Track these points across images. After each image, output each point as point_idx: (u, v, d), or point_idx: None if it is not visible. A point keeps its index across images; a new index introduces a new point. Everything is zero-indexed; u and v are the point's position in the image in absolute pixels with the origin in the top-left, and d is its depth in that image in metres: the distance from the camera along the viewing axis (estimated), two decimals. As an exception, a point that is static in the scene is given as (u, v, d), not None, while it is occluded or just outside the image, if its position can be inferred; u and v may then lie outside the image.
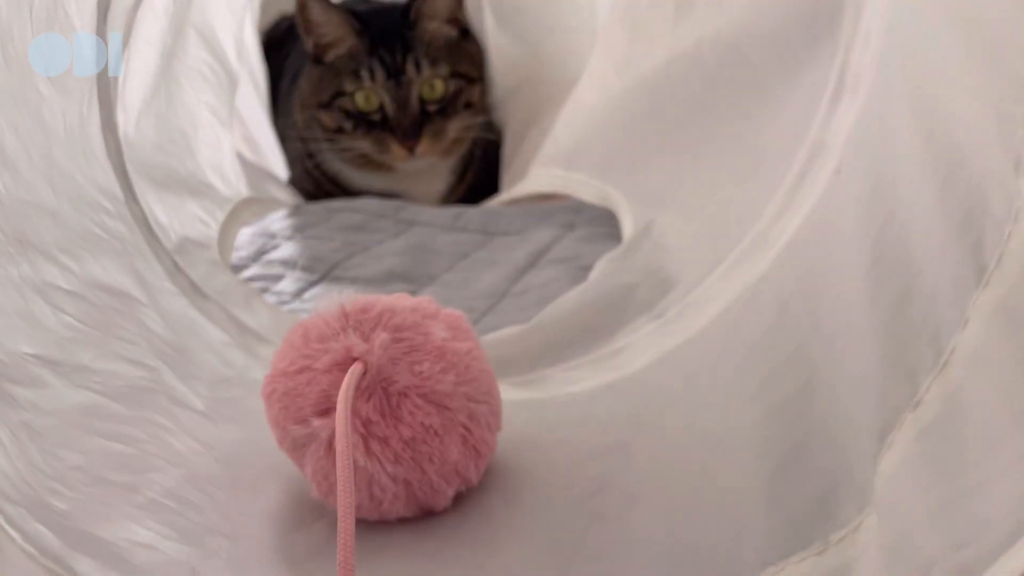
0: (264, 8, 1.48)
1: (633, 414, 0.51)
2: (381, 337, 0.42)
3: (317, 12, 1.06)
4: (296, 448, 0.43)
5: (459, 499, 0.45)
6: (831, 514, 0.35)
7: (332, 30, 1.07)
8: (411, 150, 1.04)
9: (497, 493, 0.46)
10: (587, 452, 0.49)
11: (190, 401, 0.51)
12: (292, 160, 1.29)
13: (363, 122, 1.06)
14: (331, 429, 0.40)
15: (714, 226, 0.62)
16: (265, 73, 1.37)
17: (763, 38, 0.54)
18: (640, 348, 0.58)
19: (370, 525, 0.44)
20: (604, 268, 0.68)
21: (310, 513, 0.45)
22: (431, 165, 1.12)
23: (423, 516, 0.44)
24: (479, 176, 1.23)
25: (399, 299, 0.45)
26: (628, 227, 0.76)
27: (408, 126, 1.03)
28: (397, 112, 1.04)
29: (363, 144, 1.06)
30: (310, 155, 1.20)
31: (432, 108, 1.06)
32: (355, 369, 0.40)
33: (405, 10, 1.11)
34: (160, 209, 0.73)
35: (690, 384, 0.50)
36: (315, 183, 1.20)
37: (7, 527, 0.33)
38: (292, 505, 0.46)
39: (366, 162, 1.10)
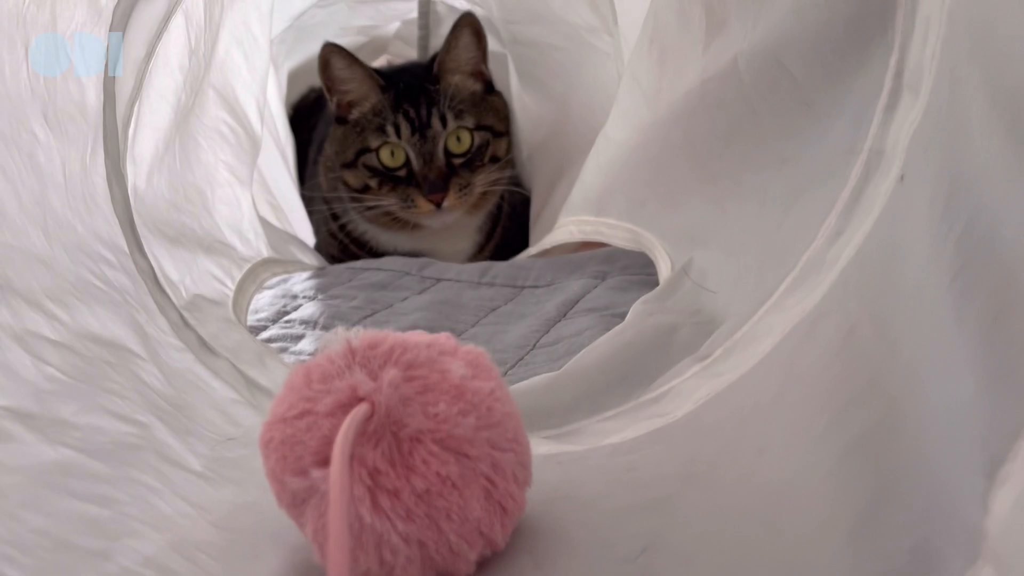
0: (292, 81, 1.49)
1: (681, 465, 0.45)
2: (391, 374, 0.36)
3: (340, 68, 1.04)
4: (295, 504, 0.37)
5: (483, 565, 0.39)
6: (933, 568, 0.28)
7: (356, 86, 1.05)
8: (438, 204, 1.01)
9: (527, 556, 0.40)
10: (629, 508, 0.43)
11: (185, 460, 0.46)
12: (317, 225, 1.26)
13: (389, 178, 1.03)
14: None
15: (760, 257, 0.56)
16: (293, 143, 1.36)
17: (805, 47, 0.50)
18: (685, 393, 0.52)
19: (380, 596, 0.38)
20: (640, 310, 0.63)
21: (313, 584, 0.39)
22: (457, 222, 1.08)
23: (443, 585, 0.38)
24: (507, 235, 1.19)
25: (413, 335, 0.40)
26: (664, 269, 0.71)
27: (434, 179, 1.00)
28: (423, 166, 1.01)
29: (389, 200, 1.03)
30: (335, 217, 1.18)
31: (458, 161, 1.03)
32: (359, 410, 0.35)
33: (428, 66, 1.09)
34: (171, 265, 0.69)
35: (745, 428, 0.44)
36: (340, 246, 1.17)
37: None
38: (294, 575, 0.40)
39: (392, 221, 1.07)
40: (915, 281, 0.37)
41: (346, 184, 1.09)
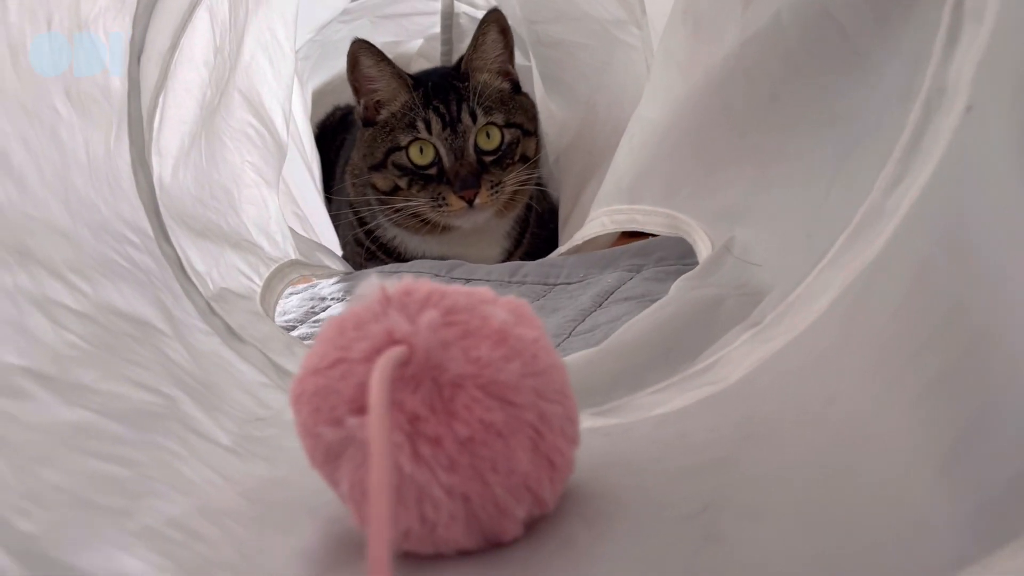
0: (316, 100, 1.49)
1: (737, 426, 0.42)
2: (429, 316, 0.34)
3: (369, 66, 1.03)
4: (329, 459, 0.35)
5: (531, 528, 0.36)
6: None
7: (384, 85, 1.04)
8: (470, 202, 0.99)
9: (578, 518, 0.37)
10: (685, 470, 0.40)
11: (212, 434, 0.44)
12: (344, 234, 1.25)
13: (419, 177, 1.02)
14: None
15: (810, 222, 0.53)
16: (319, 160, 1.36)
17: (856, -9, 0.47)
18: (737, 359, 0.49)
19: (422, 561, 0.35)
20: (682, 286, 0.60)
21: (350, 553, 0.36)
22: (486, 225, 1.06)
23: (488, 548, 0.35)
24: (535, 241, 1.17)
25: (451, 286, 0.38)
26: (704, 251, 0.68)
27: (466, 175, 0.98)
28: (454, 163, 0.99)
29: (420, 200, 1.01)
30: (362, 222, 1.16)
31: (489, 159, 1.01)
32: (395, 351, 0.33)
33: (455, 66, 1.08)
34: (197, 256, 0.68)
35: (807, 382, 0.41)
36: (368, 254, 1.15)
37: (-55, 538, 0.26)
38: (328, 545, 0.38)
39: (421, 224, 1.05)
40: (994, 207, 0.34)
41: (374, 187, 1.07)
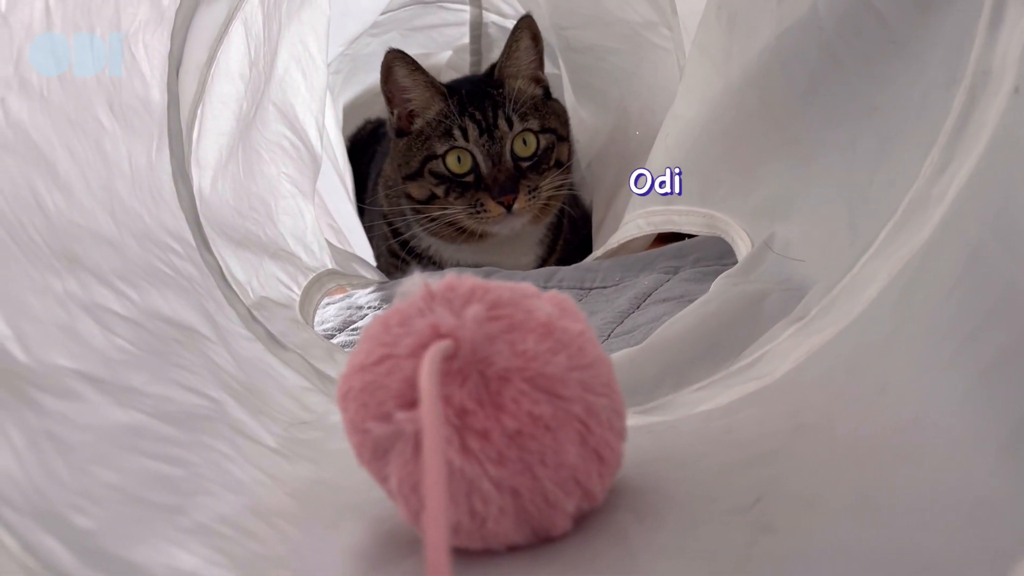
0: (348, 114, 1.51)
1: (786, 419, 0.41)
2: (474, 309, 0.34)
3: (403, 75, 1.03)
4: (377, 456, 0.35)
5: (581, 521, 0.36)
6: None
7: (418, 94, 1.04)
8: (508, 207, 0.99)
9: (628, 512, 0.36)
10: (734, 464, 0.39)
11: (259, 436, 0.44)
12: (378, 246, 1.25)
13: (456, 185, 1.02)
14: (419, 422, 0.32)
15: (852, 214, 0.53)
16: (351, 173, 1.37)
17: (894, -23, 0.47)
18: (782, 353, 0.48)
19: (472, 557, 0.35)
20: (723, 283, 0.59)
21: (399, 550, 0.36)
22: (521, 232, 1.06)
23: (538, 542, 0.35)
24: (568, 248, 1.17)
25: (494, 281, 0.38)
26: (743, 249, 0.68)
27: (504, 181, 0.98)
28: (492, 169, 0.99)
29: (457, 207, 1.01)
30: (396, 233, 1.16)
31: (525, 164, 1.01)
32: (441, 345, 0.33)
33: (488, 73, 1.08)
34: (237, 266, 0.68)
35: (858, 373, 0.40)
36: (402, 264, 1.15)
37: (2, 532, 0.26)
38: (377, 542, 0.38)
39: (457, 232, 1.05)
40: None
41: (409, 196, 1.07)
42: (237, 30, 0.76)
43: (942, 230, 0.42)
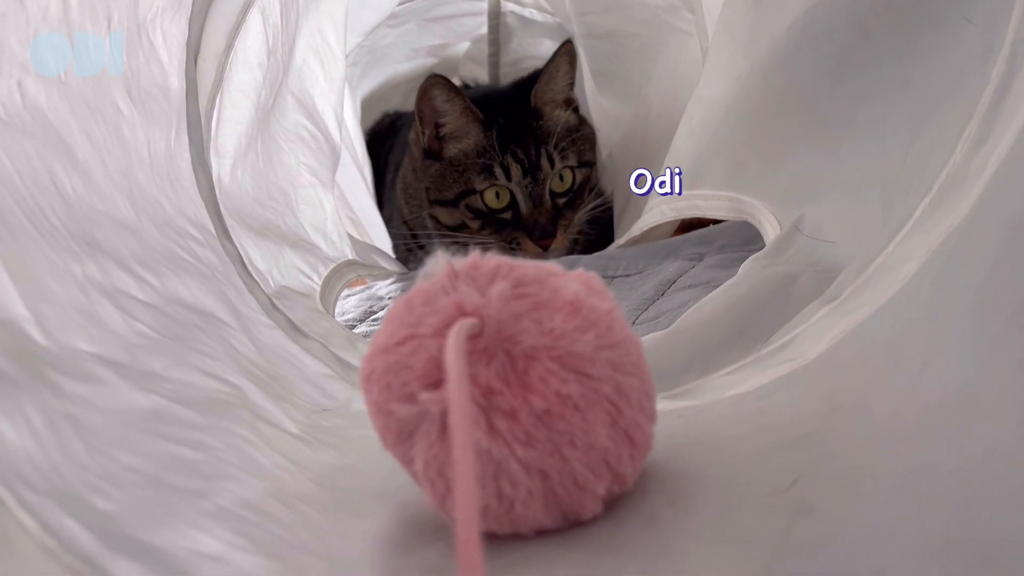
0: (366, 107, 1.50)
1: (822, 401, 0.40)
2: (499, 287, 0.33)
3: (442, 100, 1.00)
4: (402, 438, 0.34)
5: (611, 506, 0.35)
6: None
7: (454, 119, 1.02)
8: (546, 248, 0.99)
9: (659, 496, 0.35)
10: (769, 447, 0.38)
11: (281, 422, 0.43)
12: (397, 246, 1.25)
13: (492, 220, 1.00)
14: (445, 402, 0.31)
15: (885, 193, 0.51)
16: (370, 166, 1.37)
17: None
18: (815, 335, 0.47)
19: (500, 541, 0.34)
20: (752, 266, 0.58)
21: (424, 535, 0.36)
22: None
23: (568, 527, 0.34)
24: (588, 242, 1.16)
25: (518, 260, 0.37)
26: (771, 232, 0.66)
27: (545, 224, 0.97)
28: (532, 210, 0.97)
29: (490, 241, 1.00)
30: (417, 241, 1.16)
31: (561, 201, 1.00)
32: (466, 323, 0.32)
33: (522, 96, 1.04)
34: (257, 255, 0.68)
35: (897, 352, 0.39)
36: (421, 263, 1.15)
37: (21, 513, 0.26)
38: (402, 528, 0.37)
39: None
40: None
41: (437, 220, 1.06)
42: (255, 18, 0.75)
43: (982, 204, 0.40)
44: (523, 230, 0.98)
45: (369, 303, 0.89)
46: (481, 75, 1.50)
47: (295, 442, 0.42)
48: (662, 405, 0.48)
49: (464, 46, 1.55)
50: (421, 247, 1.15)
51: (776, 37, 0.58)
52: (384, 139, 1.45)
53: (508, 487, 0.32)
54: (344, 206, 1.22)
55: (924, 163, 0.48)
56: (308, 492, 0.37)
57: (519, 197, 0.98)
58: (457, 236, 1.02)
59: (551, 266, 0.37)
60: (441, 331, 0.33)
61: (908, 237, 0.45)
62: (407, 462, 0.35)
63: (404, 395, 0.33)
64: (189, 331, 0.45)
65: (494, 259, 0.35)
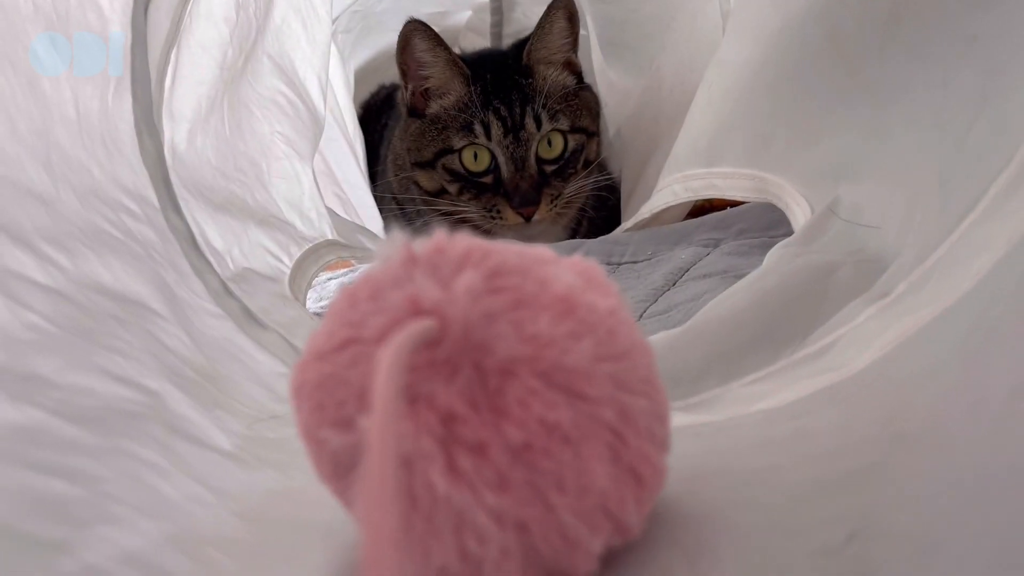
0: (360, 79, 1.42)
1: (878, 425, 0.32)
2: (467, 279, 0.25)
3: (423, 50, 0.93)
4: (338, 473, 0.26)
5: (611, 561, 0.27)
6: None
7: (437, 72, 0.94)
8: (527, 217, 0.91)
9: (674, 549, 0.27)
10: (814, 483, 0.30)
11: (208, 437, 0.35)
12: (387, 224, 1.17)
13: (471, 184, 0.93)
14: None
15: (945, 171, 0.43)
16: (362, 140, 1.28)
17: None
18: (863, 339, 0.39)
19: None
20: (781, 255, 0.50)
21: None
22: (542, 230, 0.97)
23: (553, 592, 0.26)
24: (593, 226, 1.08)
25: (499, 244, 0.29)
26: (800, 217, 0.58)
27: (526, 190, 0.89)
28: (514, 174, 0.89)
29: (469, 208, 0.93)
30: (406, 218, 1.08)
31: (550, 169, 0.92)
32: (419, 326, 0.24)
33: (515, 55, 0.98)
34: (215, 232, 0.60)
35: (976, 368, 0.31)
36: None
37: None
38: (344, 580, 0.29)
39: (470, 229, 0.96)
40: None
41: (418, 185, 0.98)
42: (220, -34, 0.67)
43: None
44: (504, 196, 0.90)
45: (350, 288, 0.81)
46: (483, 46, 1.42)
47: (223, 462, 0.34)
48: (675, 419, 0.39)
49: (465, 15, 1.46)
50: (411, 222, 1.07)
51: (810, -9, 0.50)
52: (379, 113, 1.37)
53: (474, 544, 0.24)
54: (332, 183, 1.14)
55: (995, 134, 0.40)
56: (227, 532, 0.29)
57: (500, 159, 0.90)
58: (437, 203, 0.94)
59: (540, 251, 0.29)
60: (389, 335, 0.25)
61: (980, 223, 0.37)
62: (345, 503, 0.27)
63: (339, 419, 0.25)
64: (101, 323, 0.37)
65: (464, 240, 0.27)
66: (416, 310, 0.25)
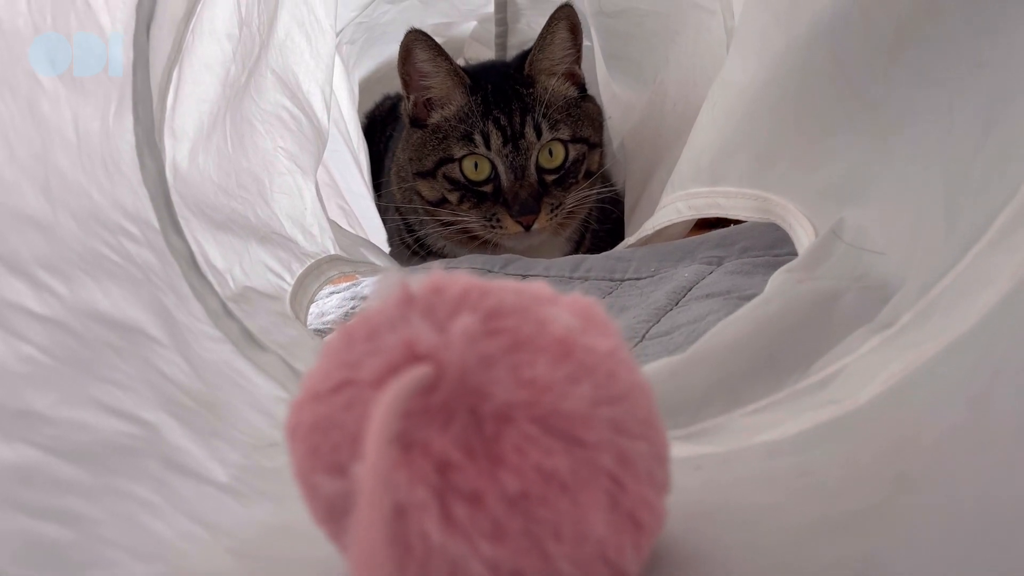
0: (364, 90, 1.41)
1: (883, 463, 0.31)
2: (464, 321, 0.24)
3: (424, 60, 0.93)
4: (333, 517, 0.26)
5: (610, 608, 0.26)
6: None
7: (438, 83, 0.94)
8: (527, 227, 0.90)
9: (675, 596, 0.27)
10: (815, 525, 0.29)
11: (204, 470, 0.35)
12: (391, 239, 1.17)
13: (471, 193, 0.93)
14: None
15: (951, 196, 0.42)
16: (366, 151, 1.28)
17: None
18: (865, 372, 0.38)
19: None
20: (783, 279, 0.49)
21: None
22: (544, 241, 0.97)
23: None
24: (597, 239, 1.07)
25: (496, 282, 0.28)
26: (804, 238, 0.57)
27: (526, 199, 0.89)
28: (513, 183, 0.89)
29: (470, 217, 0.93)
30: (410, 229, 1.08)
31: (550, 178, 0.92)
32: (415, 372, 0.23)
33: (518, 65, 0.98)
34: (216, 251, 0.59)
35: (988, 405, 0.30)
36: (417, 260, 1.07)
37: None
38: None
39: (470, 239, 0.96)
40: None
41: (420, 195, 0.99)
42: (222, -17, 0.67)
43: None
44: (503, 204, 0.90)
45: (352, 303, 0.81)
46: (488, 57, 1.42)
47: (219, 496, 0.34)
48: (676, 449, 0.39)
49: (470, 25, 1.46)
50: (416, 238, 1.07)
51: (820, 10, 0.49)
52: (384, 124, 1.37)
53: (469, 594, 0.24)
54: (336, 195, 1.14)
55: (1003, 160, 0.39)
56: (220, 570, 0.29)
57: (500, 168, 0.90)
58: (439, 213, 0.94)
59: (538, 288, 0.28)
60: (385, 378, 0.24)
61: (988, 253, 0.36)
62: (341, 546, 0.26)
63: (332, 464, 0.25)
64: (98, 353, 0.37)
65: (462, 280, 0.27)
66: (412, 354, 0.24)
